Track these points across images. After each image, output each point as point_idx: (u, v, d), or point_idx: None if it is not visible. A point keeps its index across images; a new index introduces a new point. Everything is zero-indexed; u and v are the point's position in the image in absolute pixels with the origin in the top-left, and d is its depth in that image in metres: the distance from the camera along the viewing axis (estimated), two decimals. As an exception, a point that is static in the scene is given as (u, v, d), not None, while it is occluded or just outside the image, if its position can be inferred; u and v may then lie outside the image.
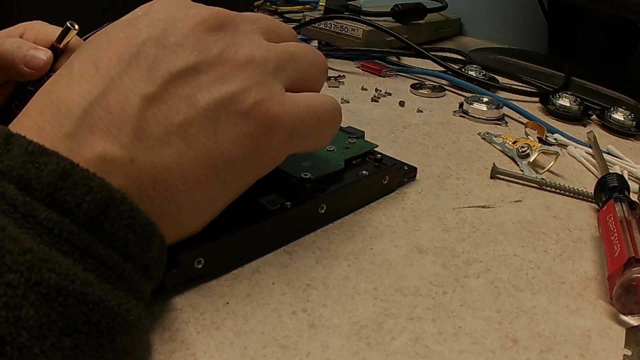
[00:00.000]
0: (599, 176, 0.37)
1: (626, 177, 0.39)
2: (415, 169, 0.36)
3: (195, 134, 0.21)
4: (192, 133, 0.21)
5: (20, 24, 0.32)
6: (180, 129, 0.21)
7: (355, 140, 0.35)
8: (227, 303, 0.24)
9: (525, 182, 0.38)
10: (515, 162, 0.41)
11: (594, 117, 0.52)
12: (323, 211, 0.29)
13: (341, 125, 0.39)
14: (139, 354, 0.19)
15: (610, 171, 0.38)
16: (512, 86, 0.58)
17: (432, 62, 0.60)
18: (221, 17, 0.23)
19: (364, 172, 0.32)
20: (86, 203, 0.17)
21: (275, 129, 0.23)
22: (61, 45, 0.30)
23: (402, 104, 0.51)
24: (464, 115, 0.50)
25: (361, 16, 0.66)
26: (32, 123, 0.19)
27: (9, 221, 0.16)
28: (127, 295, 0.18)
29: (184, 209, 0.21)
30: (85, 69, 0.20)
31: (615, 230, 0.29)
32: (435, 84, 0.57)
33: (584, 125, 0.51)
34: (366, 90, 0.55)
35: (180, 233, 0.22)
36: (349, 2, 0.69)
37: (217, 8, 0.23)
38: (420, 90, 0.55)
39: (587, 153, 0.44)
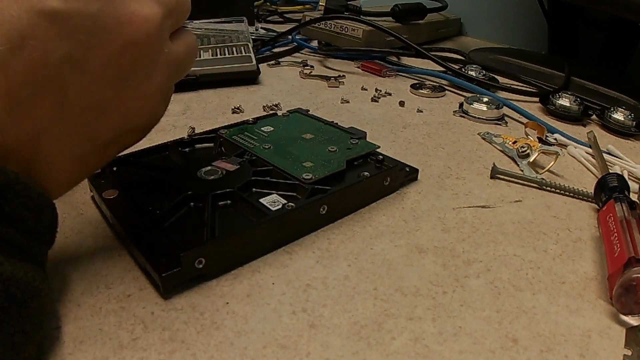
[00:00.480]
0: (599, 176, 0.37)
1: (626, 177, 0.39)
2: (417, 170, 0.36)
3: (70, 80, 0.20)
4: (66, 80, 0.19)
5: None
6: (50, 73, 0.19)
7: (357, 141, 0.35)
8: (227, 303, 0.24)
9: (525, 182, 0.38)
10: (515, 162, 0.41)
11: (594, 117, 0.52)
12: (324, 212, 0.29)
13: (342, 125, 0.39)
14: (49, 310, 0.21)
15: (610, 171, 0.38)
16: (512, 86, 0.58)
17: (432, 62, 0.60)
18: None
19: (365, 173, 0.32)
20: None
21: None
22: None
23: (402, 104, 0.51)
24: (464, 115, 0.50)
25: (361, 16, 0.66)
26: None
27: None
28: (30, 264, 0.19)
29: (61, 164, 0.21)
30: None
31: (615, 230, 0.29)
32: (435, 84, 0.57)
33: (584, 125, 0.51)
34: (366, 90, 0.55)
35: (57, 186, 0.22)
36: (349, 2, 0.69)
37: None
38: (420, 90, 0.55)
39: (587, 153, 0.44)
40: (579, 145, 0.45)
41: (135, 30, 0.20)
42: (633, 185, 0.38)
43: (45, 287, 0.19)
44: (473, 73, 0.58)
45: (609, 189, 0.33)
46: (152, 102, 0.23)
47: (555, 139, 0.46)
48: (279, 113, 0.41)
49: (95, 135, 0.22)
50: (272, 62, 0.63)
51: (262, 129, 0.37)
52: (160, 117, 0.25)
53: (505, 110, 0.51)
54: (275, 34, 0.72)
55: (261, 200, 0.29)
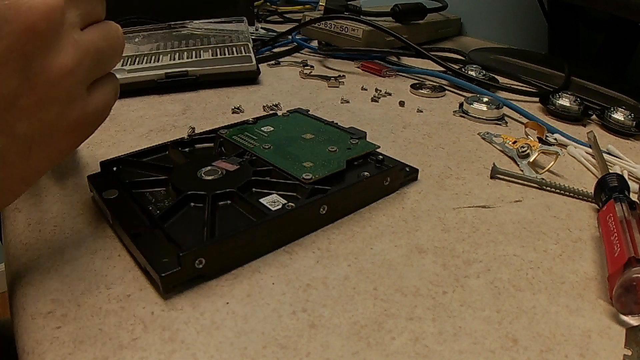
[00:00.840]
0: (599, 176, 0.37)
1: (626, 177, 0.39)
2: (417, 170, 0.36)
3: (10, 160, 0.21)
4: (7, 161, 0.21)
5: None
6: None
7: (357, 141, 0.35)
8: (227, 303, 0.24)
9: (525, 182, 0.38)
10: (515, 162, 0.41)
11: (594, 117, 0.52)
12: (324, 212, 0.29)
13: (342, 125, 0.39)
14: None
15: (610, 171, 0.38)
16: (512, 86, 0.58)
17: (432, 62, 0.60)
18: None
19: (365, 173, 0.32)
20: None
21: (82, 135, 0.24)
22: None
23: (402, 104, 0.51)
24: (464, 115, 0.50)
25: (361, 16, 0.66)
26: None
27: None
28: None
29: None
30: None
31: (615, 230, 0.29)
32: (435, 84, 0.57)
33: (584, 125, 0.51)
34: (366, 90, 0.55)
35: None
36: (349, 2, 0.69)
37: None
38: (420, 90, 0.55)
39: (587, 153, 0.44)
40: (579, 145, 0.45)
41: (34, 16, 0.20)
42: (633, 185, 0.38)
43: None
44: (473, 73, 0.58)
45: (609, 189, 0.33)
46: (65, 88, 0.22)
47: (555, 139, 0.46)
48: (279, 113, 0.41)
49: (7, 127, 0.21)
50: (272, 62, 0.63)
51: (262, 129, 0.37)
52: (100, 113, 0.24)
53: (505, 110, 0.51)
54: (275, 34, 0.72)
55: (261, 200, 0.29)
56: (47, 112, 0.22)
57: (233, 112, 0.47)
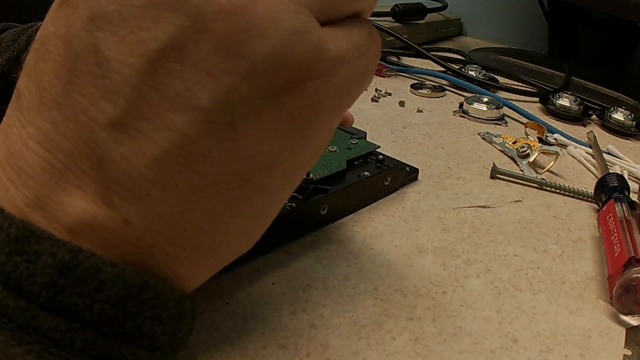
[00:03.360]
0: (599, 176, 0.37)
1: (626, 177, 0.39)
2: (417, 170, 0.36)
3: (204, 152, 0.14)
4: (199, 153, 0.14)
5: None
6: (179, 154, 0.14)
7: (357, 140, 0.35)
8: (227, 303, 0.24)
9: (525, 182, 0.38)
10: (515, 162, 0.41)
11: (594, 117, 0.52)
12: (324, 212, 0.29)
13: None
14: None
15: (610, 171, 0.38)
16: (512, 86, 0.58)
17: (432, 62, 0.60)
18: None
19: (365, 173, 0.32)
20: (98, 303, 0.13)
21: (321, 94, 0.15)
22: None
23: (402, 104, 0.51)
24: (464, 115, 0.50)
25: (361, 16, 0.66)
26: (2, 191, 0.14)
27: (4, 337, 0.12)
28: None
29: (221, 245, 0.16)
30: (31, 95, 0.14)
31: (615, 230, 0.29)
32: (435, 84, 0.57)
33: (584, 125, 0.51)
34: (366, 90, 0.55)
35: (227, 262, 0.17)
36: (349, 2, 0.69)
37: None
38: (420, 90, 0.55)
39: (587, 153, 0.44)
40: (579, 145, 0.45)
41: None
42: (633, 185, 0.38)
43: None
44: (473, 73, 0.58)
45: (609, 189, 0.33)
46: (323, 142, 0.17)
47: (555, 139, 0.46)
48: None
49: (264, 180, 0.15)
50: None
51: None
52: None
53: (505, 110, 0.51)
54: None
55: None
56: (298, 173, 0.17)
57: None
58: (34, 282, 0.13)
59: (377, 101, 0.51)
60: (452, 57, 0.68)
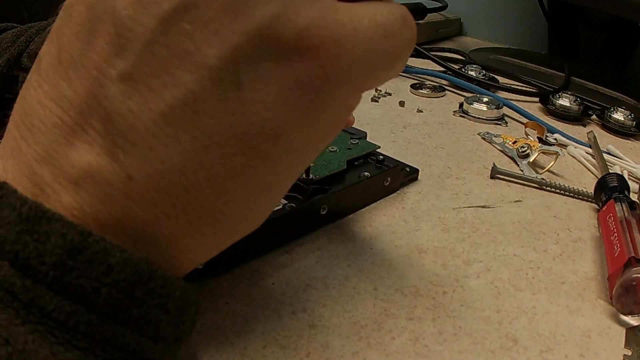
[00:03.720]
0: (599, 176, 0.37)
1: (626, 177, 0.39)
2: (417, 170, 0.36)
3: (210, 111, 0.14)
4: (205, 112, 0.14)
5: None
6: (185, 111, 0.14)
7: (357, 141, 0.35)
8: (227, 303, 0.24)
9: (525, 182, 0.38)
10: (515, 162, 0.41)
11: (594, 117, 0.52)
12: (324, 212, 0.29)
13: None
14: None
15: (610, 171, 0.38)
16: (512, 86, 0.58)
17: (432, 62, 0.60)
18: None
19: (365, 173, 0.32)
20: (106, 286, 0.13)
21: (335, 65, 0.15)
22: None
23: (402, 104, 0.51)
24: (464, 115, 0.50)
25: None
26: (12, 142, 0.15)
27: (7, 316, 0.12)
28: None
29: (224, 215, 0.16)
30: (51, 57, 0.15)
31: (615, 230, 0.29)
32: (435, 84, 0.57)
33: (584, 125, 0.51)
34: (366, 90, 0.55)
35: (231, 239, 0.17)
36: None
37: None
38: (420, 90, 0.55)
39: (587, 153, 0.44)
40: (579, 145, 0.45)
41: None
42: (633, 185, 0.38)
43: None
44: (473, 73, 0.58)
45: (609, 189, 0.33)
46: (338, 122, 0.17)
47: (555, 139, 0.46)
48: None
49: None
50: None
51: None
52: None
53: (505, 110, 0.51)
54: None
55: (261, 200, 0.29)
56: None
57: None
58: (42, 262, 0.13)
59: (377, 101, 0.51)
60: (452, 57, 0.68)
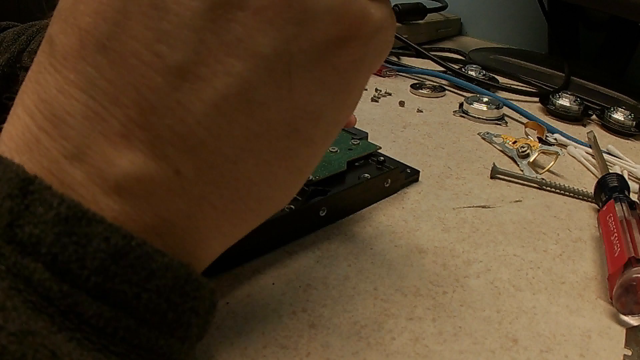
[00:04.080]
0: (599, 176, 0.37)
1: (626, 177, 0.39)
2: (418, 172, 0.36)
3: (262, 99, 0.14)
4: (257, 100, 0.14)
5: None
6: (238, 101, 0.13)
7: (358, 141, 0.35)
8: (227, 303, 0.24)
9: (525, 182, 0.38)
10: (515, 162, 0.41)
11: (594, 117, 0.52)
12: (324, 214, 0.29)
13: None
14: None
15: (610, 171, 0.38)
16: (512, 86, 0.58)
17: (432, 62, 0.60)
18: None
19: (366, 174, 0.32)
20: (147, 292, 0.13)
21: (370, 50, 0.16)
22: None
23: (402, 104, 0.51)
24: (464, 115, 0.50)
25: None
26: (26, 133, 0.13)
27: (44, 323, 0.12)
28: None
29: (268, 198, 0.16)
30: (68, 39, 0.13)
31: (615, 230, 0.29)
32: (435, 84, 0.57)
33: (584, 125, 0.51)
34: (366, 90, 0.55)
35: (264, 217, 0.17)
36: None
37: None
38: (420, 90, 0.55)
39: (587, 153, 0.44)
40: (579, 145, 0.45)
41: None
42: (633, 185, 0.38)
43: None
44: (473, 73, 0.58)
45: (609, 189, 0.33)
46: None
47: (555, 139, 0.46)
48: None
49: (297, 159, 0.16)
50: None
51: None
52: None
53: (505, 110, 0.51)
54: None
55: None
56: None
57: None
58: (83, 266, 0.12)
59: (377, 101, 0.51)
60: (452, 57, 0.68)
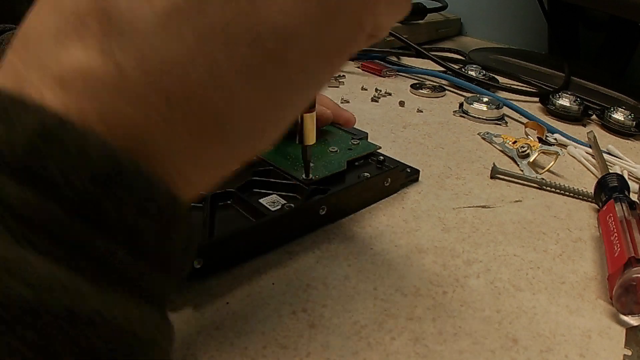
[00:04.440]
0: (599, 176, 0.37)
1: (626, 177, 0.39)
2: (418, 171, 0.36)
3: (216, 3, 0.13)
4: (210, 3, 0.13)
5: None
6: (190, 4, 0.13)
7: (358, 141, 0.35)
8: (227, 303, 0.24)
9: (525, 182, 0.38)
10: (515, 162, 0.41)
11: (594, 117, 0.52)
12: (323, 213, 0.29)
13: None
14: None
15: (610, 171, 0.38)
16: (512, 86, 0.58)
17: (432, 62, 0.60)
18: None
19: (365, 174, 0.32)
20: (80, 179, 0.11)
21: None
22: None
23: (402, 104, 0.51)
24: (464, 115, 0.50)
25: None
26: (6, 65, 0.13)
27: None
28: (138, 303, 0.13)
29: (228, 120, 0.14)
30: None
31: (615, 230, 0.29)
32: (435, 84, 0.57)
33: (584, 125, 0.51)
34: (366, 90, 0.55)
35: (234, 158, 0.15)
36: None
37: None
38: (420, 90, 0.55)
39: (587, 153, 0.44)
40: (579, 145, 0.45)
41: None
42: (633, 185, 0.38)
43: (162, 342, 0.13)
44: (473, 73, 0.58)
45: (609, 189, 0.33)
46: None
47: (555, 139, 0.46)
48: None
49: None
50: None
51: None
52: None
53: (505, 110, 0.51)
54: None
55: (261, 200, 0.29)
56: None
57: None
58: (8, 142, 0.11)
59: (377, 101, 0.51)
60: (452, 57, 0.68)
